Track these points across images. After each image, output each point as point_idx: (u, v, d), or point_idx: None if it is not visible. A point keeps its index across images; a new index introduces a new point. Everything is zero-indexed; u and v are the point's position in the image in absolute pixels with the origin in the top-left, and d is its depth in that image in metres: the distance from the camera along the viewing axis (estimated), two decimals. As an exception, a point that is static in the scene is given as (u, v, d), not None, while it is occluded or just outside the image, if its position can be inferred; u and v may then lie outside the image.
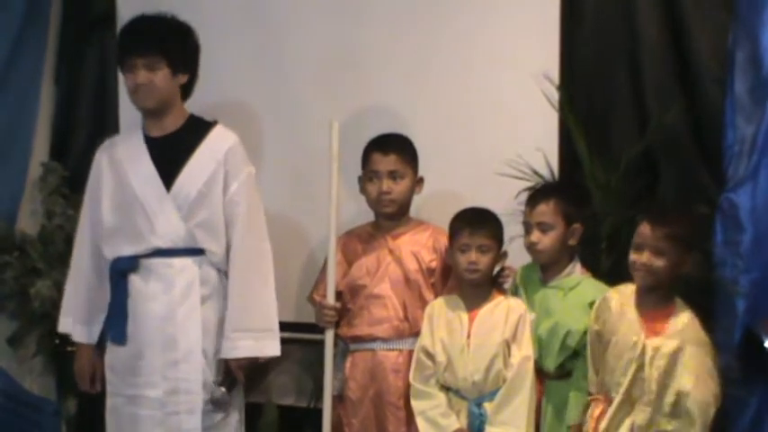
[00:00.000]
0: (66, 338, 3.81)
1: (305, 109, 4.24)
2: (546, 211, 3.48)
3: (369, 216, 3.86)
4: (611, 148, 3.91)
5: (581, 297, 3.47)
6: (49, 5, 4.60)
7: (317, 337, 3.88)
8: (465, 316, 3.53)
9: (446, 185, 4.02)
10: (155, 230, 3.51)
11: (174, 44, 3.55)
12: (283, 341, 3.67)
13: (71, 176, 4.56)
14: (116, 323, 3.54)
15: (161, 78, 3.51)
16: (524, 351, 3.43)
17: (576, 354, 3.45)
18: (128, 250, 3.54)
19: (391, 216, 3.76)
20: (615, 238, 3.57)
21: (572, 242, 3.51)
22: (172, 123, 3.58)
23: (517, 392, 3.41)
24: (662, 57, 3.91)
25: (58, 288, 4.23)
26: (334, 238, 3.64)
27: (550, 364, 3.46)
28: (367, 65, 4.18)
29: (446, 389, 3.54)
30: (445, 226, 3.66)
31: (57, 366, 4.54)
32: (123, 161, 3.56)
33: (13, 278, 4.36)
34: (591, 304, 3.43)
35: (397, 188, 3.71)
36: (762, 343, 3.66)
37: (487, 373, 3.45)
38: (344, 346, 3.79)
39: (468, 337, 3.50)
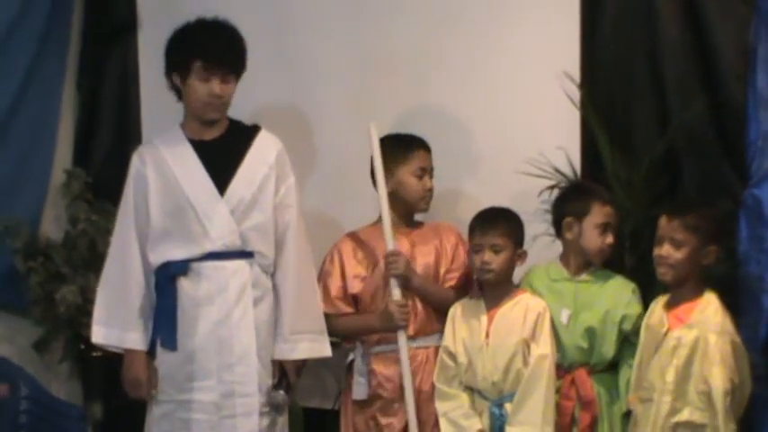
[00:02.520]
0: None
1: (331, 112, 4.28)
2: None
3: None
4: (633, 146, 3.90)
5: (620, 286, 3.51)
6: (70, 12, 4.62)
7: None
8: (484, 316, 3.53)
9: (468, 185, 4.04)
10: (208, 234, 3.49)
11: (244, 58, 3.59)
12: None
13: (94, 182, 4.57)
14: (166, 329, 3.50)
15: (231, 91, 3.55)
16: (541, 349, 3.43)
17: (627, 340, 3.48)
18: (178, 254, 3.50)
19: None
20: (638, 237, 3.57)
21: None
22: (218, 128, 3.59)
23: (533, 390, 3.41)
24: (683, 54, 3.90)
25: (83, 293, 4.26)
26: (391, 240, 3.65)
27: (609, 353, 3.46)
28: (392, 67, 4.20)
29: (470, 389, 3.54)
30: (466, 225, 3.67)
31: (83, 371, 4.55)
32: (171, 165, 3.53)
33: (38, 284, 4.37)
34: (633, 291, 3.48)
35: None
36: (788, 339, 3.65)
37: (506, 374, 3.45)
38: (364, 350, 3.78)
39: (487, 336, 3.50)
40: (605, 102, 3.95)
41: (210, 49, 3.50)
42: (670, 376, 3.23)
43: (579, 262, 3.56)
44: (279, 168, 3.59)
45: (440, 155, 3.82)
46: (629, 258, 3.67)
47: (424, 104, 4.08)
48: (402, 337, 3.63)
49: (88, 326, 4.22)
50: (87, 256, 4.35)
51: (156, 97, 4.49)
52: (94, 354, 4.32)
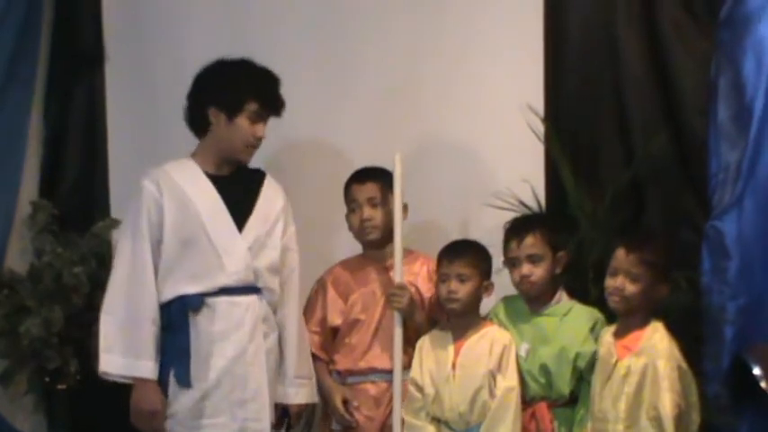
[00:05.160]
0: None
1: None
2: (534, 242, 3.50)
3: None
4: (597, 178, 3.95)
5: (578, 321, 3.51)
6: (37, 41, 4.60)
7: None
8: (451, 347, 3.54)
9: (435, 217, 4.06)
10: (225, 268, 3.48)
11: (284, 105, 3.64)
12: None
13: (60, 214, 4.55)
14: (181, 365, 3.45)
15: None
16: (508, 381, 3.44)
17: (582, 377, 3.48)
18: (191, 288, 3.47)
19: (376, 244, 3.76)
20: (602, 267, 3.57)
21: (558, 270, 3.53)
22: (231, 166, 3.60)
23: (500, 423, 3.42)
24: (646, 88, 3.96)
25: (48, 326, 4.23)
26: (399, 272, 3.66)
27: (565, 389, 3.47)
28: (357, 101, 4.23)
29: (437, 420, 3.54)
30: (434, 257, 3.68)
31: (48, 404, 4.52)
32: (190, 197, 3.50)
33: (2, 316, 4.35)
34: (592, 328, 3.47)
35: (378, 215, 3.72)
36: (750, 369, 3.67)
37: (473, 405, 3.46)
38: (340, 380, 3.80)
39: (454, 368, 3.51)
40: (569, 134, 3.99)
41: (269, 94, 3.54)
42: (622, 404, 3.25)
43: (533, 295, 3.57)
44: (285, 215, 3.65)
45: (406, 188, 3.82)
46: (593, 289, 3.69)
47: (390, 138, 4.09)
48: (398, 318, 3.65)
49: (53, 359, 4.26)
50: (52, 289, 4.33)
51: (123, 128, 4.56)
52: (59, 386, 4.30)
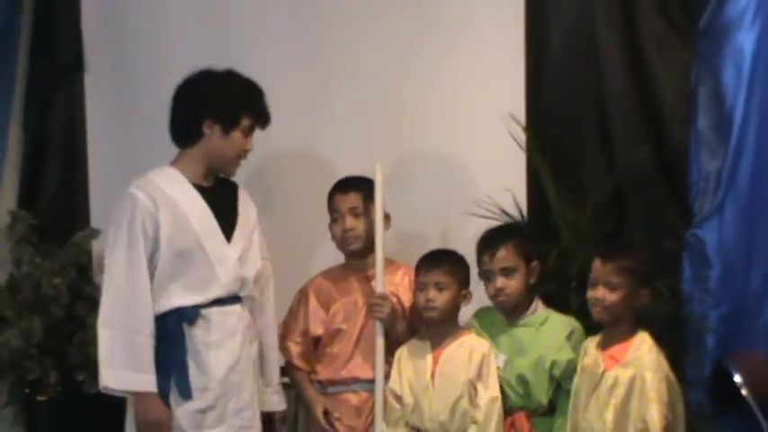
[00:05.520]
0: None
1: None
2: (507, 255, 3.49)
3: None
4: (579, 187, 3.96)
5: (555, 330, 3.50)
6: (16, 52, 4.59)
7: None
8: (430, 356, 3.54)
9: (416, 226, 4.05)
10: (218, 279, 3.47)
11: None
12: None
13: (39, 224, 4.52)
14: (180, 376, 3.43)
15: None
16: (491, 392, 3.44)
17: (560, 386, 3.47)
18: (187, 300, 3.45)
19: (358, 254, 3.77)
20: (584, 278, 3.58)
21: (533, 280, 3.53)
22: (212, 177, 3.59)
23: None
24: (627, 97, 3.97)
25: (27, 337, 4.20)
26: (381, 282, 3.64)
27: (543, 399, 3.47)
28: (340, 111, 4.23)
29: (417, 430, 3.53)
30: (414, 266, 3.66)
31: (27, 416, 4.49)
32: (183, 208, 3.47)
33: (-20, 328, 4.33)
34: (568, 336, 3.47)
35: (360, 225, 3.73)
36: (731, 377, 3.69)
37: (453, 413, 3.45)
38: (321, 389, 3.79)
39: (433, 377, 3.51)
40: (551, 144, 3.99)
41: (263, 110, 3.56)
42: (609, 415, 3.24)
43: (509, 307, 3.58)
44: (258, 224, 3.66)
45: (388, 197, 3.82)
46: (575, 299, 3.68)
47: (372, 148, 4.07)
48: (380, 327, 3.64)
49: (32, 370, 4.23)
50: (32, 299, 4.30)
51: (102, 138, 4.54)
52: (39, 398, 4.27)
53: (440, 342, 3.54)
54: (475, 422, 3.44)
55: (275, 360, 3.71)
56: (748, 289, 3.83)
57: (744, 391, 3.67)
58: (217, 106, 3.50)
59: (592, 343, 3.39)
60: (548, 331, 3.50)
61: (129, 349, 3.39)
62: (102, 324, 3.43)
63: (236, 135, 3.51)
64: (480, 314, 3.65)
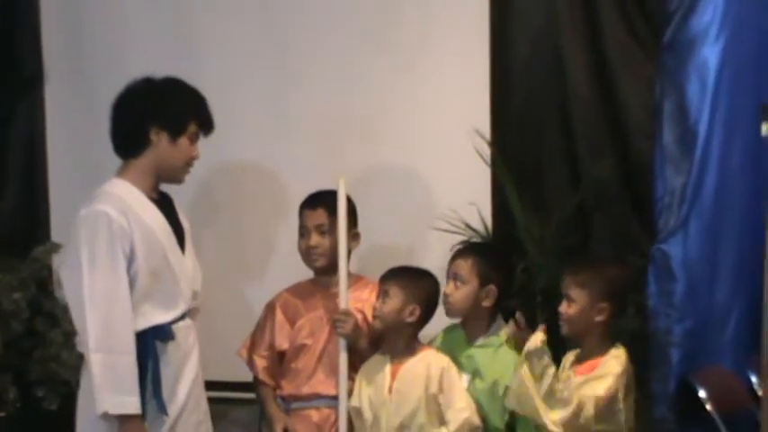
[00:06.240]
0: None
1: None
2: (463, 265, 3.48)
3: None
4: (544, 202, 3.95)
5: (512, 354, 3.44)
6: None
7: (246, 395, 3.91)
8: (388, 370, 3.52)
9: (381, 241, 4.02)
10: (183, 294, 3.46)
11: None
12: (218, 400, 3.72)
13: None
14: (157, 394, 3.40)
15: None
16: (464, 412, 3.40)
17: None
18: (162, 317, 3.41)
19: (324, 270, 3.75)
20: (550, 293, 3.59)
21: (486, 303, 3.50)
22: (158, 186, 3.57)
23: None
24: (592, 112, 3.96)
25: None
26: (344, 298, 3.61)
27: (498, 423, 3.44)
28: (305, 125, 4.21)
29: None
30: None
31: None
32: (149, 224, 3.42)
33: (-63, 344, 4.27)
34: None
35: (325, 242, 3.71)
36: (696, 392, 3.70)
37: (408, 428, 3.44)
38: (285, 405, 3.76)
39: (390, 391, 3.49)
40: (516, 158, 3.98)
41: (208, 116, 3.51)
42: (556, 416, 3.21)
43: (470, 326, 3.55)
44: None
45: (359, 214, 3.81)
46: (541, 314, 3.68)
47: (337, 161, 4.05)
48: (343, 344, 3.61)
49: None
50: (-10, 315, 4.26)
51: (63, 150, 4.50)
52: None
53: (399, 358, 3.52)
54: None
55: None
56: (713, 303, 3.85)
57: (708, 407, 3.69)
58: (163, 113, 3.46)
59: (570, 357, 3.37)
60: (505, 354, 3.45)
61: (118, 372, 3.33)
62: (92, 350, 3.33)
63: (184, 142, 3.47)
64: (447, 330, 3.63)
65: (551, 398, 3.14)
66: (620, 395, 3.16)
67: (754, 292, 3.48)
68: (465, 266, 3.48)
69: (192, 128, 3.47)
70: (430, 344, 3.59)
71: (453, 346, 3.56)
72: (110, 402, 3.32)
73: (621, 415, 3.15)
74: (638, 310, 3.68)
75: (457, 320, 3.57)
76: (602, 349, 3.27)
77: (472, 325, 3.52)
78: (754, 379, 3.70)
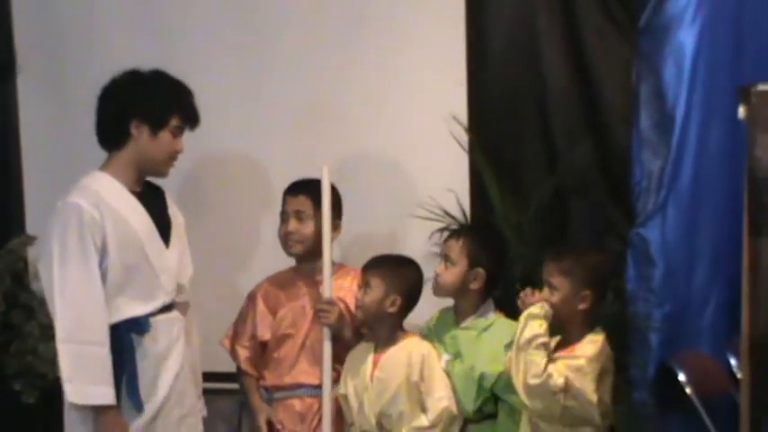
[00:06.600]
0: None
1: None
2: (453, 246, 3.49)
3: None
4: (522, 188, 3.94)
5: (495, 338, 3.45)
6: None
7: (228, 386, 3.91)
8: (371, 358, 3.52)
9: (360, 227, 4.00)
10: (163, 287, 3.44)
11: None
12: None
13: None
14: (133, 390, 3.38)
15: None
16: (443, 401, 3.40)
17: (496, 397, 3.43)
18: (138, 310, 3.40)
19: (302, 257, 3.73)
20: (528, 279, 3.57)
21: (473, 286, 3.50)
22: (141, 182, 3.53)
23: None
24: (569, 96, 3.95)
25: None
26: (328, 288, 3.60)
27: (468, 407, 3.45)
28: (284, 113, 4.19)
29: (365, 432, 3.53)
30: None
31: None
32: (126, 217, 3.41)
33: None
34: (507, 346, 3.42)
35: (303, 228, 3.69)
36: (676, 377, 3.71)
37: (388, 415, 3.43)
38: (268, 395, 3.77)
39: (372, 379, 3.49)
40: (493, 144, 3.98)
41: (191, 109, 3.48)
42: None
43: (460, 307, 3.56)
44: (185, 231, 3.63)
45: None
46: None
47: (314, 149, 4.05)
48: (327, 333, 3.60)
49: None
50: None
51: (37, 141, 4.47)
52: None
53: (383, 345, 3.52)
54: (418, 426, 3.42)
55: (199, 367, 3.66)
56: (692, 287, 3.84)
57: (688, 390, 3.69)
58: (144, 106, 3.44)
59: (552, 344, 3.36)
60: (487, 339, 3.46)
61: (91, 363, 3.32)
62: (61, 339, 3.33)
63: (165, 135, 3.44)
64: (441, 312, 3.63)
65: (530, 364, 3.18)
66: (592, 377, 3.17)
67: (732, 275, 3.48)
68: (456, 247, 3.48)
69: (175, 122, 3.44)
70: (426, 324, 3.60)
71: (443, 326, 3.56)
72: (81, 393, 3.31)
73: (593, 396, 3.16)
74: (617, 295, 3.68)
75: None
76: (581, 335, 3.27)
77: (461, 306, 3.53)
78: (733, 362, 3.70)
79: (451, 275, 3.48)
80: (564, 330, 3.30)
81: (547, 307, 3.25)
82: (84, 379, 3.32)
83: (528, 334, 3.21)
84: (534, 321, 3.22)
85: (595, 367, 3.18)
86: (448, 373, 3.47)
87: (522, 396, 3.21)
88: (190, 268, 3.59)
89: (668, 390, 3.74)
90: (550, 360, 3.19)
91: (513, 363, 3.24)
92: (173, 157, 3.49)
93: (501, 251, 3.57)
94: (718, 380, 3.74)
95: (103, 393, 3.32)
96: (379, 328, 3.53)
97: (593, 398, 3.16)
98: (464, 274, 3.47)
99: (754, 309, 3.13)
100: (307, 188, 3.71)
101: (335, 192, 3.68)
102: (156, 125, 3.43)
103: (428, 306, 3.61)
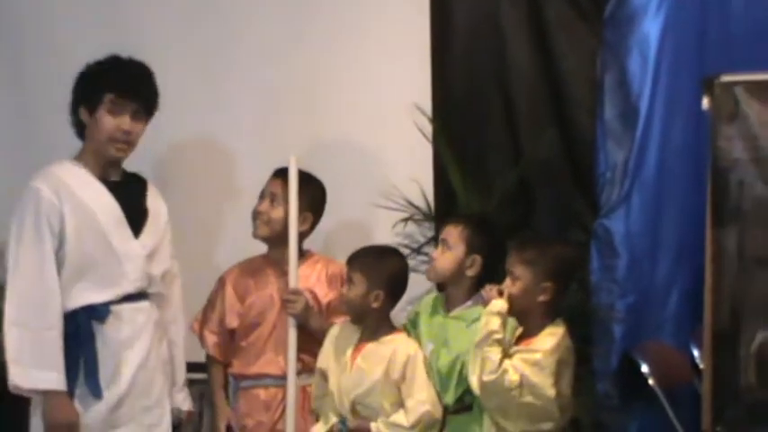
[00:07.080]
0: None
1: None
2: (452, 231, 3.44)
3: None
4: (486, 177, 3.92)
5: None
6: None
7: (198, 376, 3.86)
8: (352, 347, 3.48)
9: (328, 217, 3.95)
10: (127, 276, 3.40)
11: (157, 99, 3.49)
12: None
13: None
14: (91, 375, 3.36)
15: (140, 130, 3.45)
16: (426, 405, 3.36)
17: None
18: (98, 297, 3.38)
19: (276, 243, 3.69)
20: (491, 270, 3.56)
21: (469, 273, 3.47)
22: (118, 171, 3.49)
23: None
24: (533, 86, 3.95)
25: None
26: (294, 278, 3.59)
27: (449, 398, 3.43)
28: (245, 100, 4.16)
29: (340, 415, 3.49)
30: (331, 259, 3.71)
31: None
32: (87, 203, 3.38)
33: None
34: None
35: (273, 211, 3.67)
36: (639, 368, 3.71)
37: (361, 405, 3.41)
38: (235, 384, 3.76)
39: (351, 367, 3.46)
40: (457, 134, 3.96)
41: (124, 83, 3.41)
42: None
43: (451, 295, 3.53)
44: (168, 222, 3.59)
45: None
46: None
47: (275, 137, 4.04)
48: (292, 323, 3.59)
49: None
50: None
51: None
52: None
53: (368, 336, 3.48)
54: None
55: (181, 358, 3.65)
56: (655, 279, 3.86)
57: (651, 381, 3.70)
58: (82, 90, 3.43)
59: (517, 334, 3.35)
60: (474, 331, 3.39)
61: (39, 347, 3.30)
62: (9, 322, 3.32)
63: (102, 114, 3.39)
64: (432, 298, 3.57)
65: (485, 360, 3.16)
66: (550, 371, 3.14)
67: (695, 266, 3.49)
68: (454, 232, 3.44)
69: (108, 97, 3.38)
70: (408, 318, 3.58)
71: (431, 312, 3.52)
72: (27, 377, 3.28)
73: (551, 390, 3.14)
74: (581, 286, 3.67)
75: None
76: (541, 327, 3.25)
77: (452, 293, 3.48)
78: (696, 353, 3.72)
79: (448, 261, 3.44)
80: (523, 321, 3.28)
81: (505, 304, 3.23)
82: (31, 363, 3.29)
83: (485, 330, 3.19)
84: (492, 318, 3.20)
85: (553, 361, 3.15)
86: (430, 364, 3.44)
87: (477, 393, 3.20)
88: (166, 262, 3.55)
89: (631, 381, 3.74)
90: (507, 355, 3.17)
91: (470, 360, 3.22)
92: (114, 136, 3.40)
93: (498, 240, 3.54)
94: (680, 371, 3.75)
95: (50, 378, 3.29)
96: (367, 322, 3.49)
97: (552, 392, 3.13)
98: (461, 259, 3.44)
99: (716, 299, 3.15)
100: (285, 174, 3.67)
101: (320, 187, 3.69)
102: (92, 105, 3.40)
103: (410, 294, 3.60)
